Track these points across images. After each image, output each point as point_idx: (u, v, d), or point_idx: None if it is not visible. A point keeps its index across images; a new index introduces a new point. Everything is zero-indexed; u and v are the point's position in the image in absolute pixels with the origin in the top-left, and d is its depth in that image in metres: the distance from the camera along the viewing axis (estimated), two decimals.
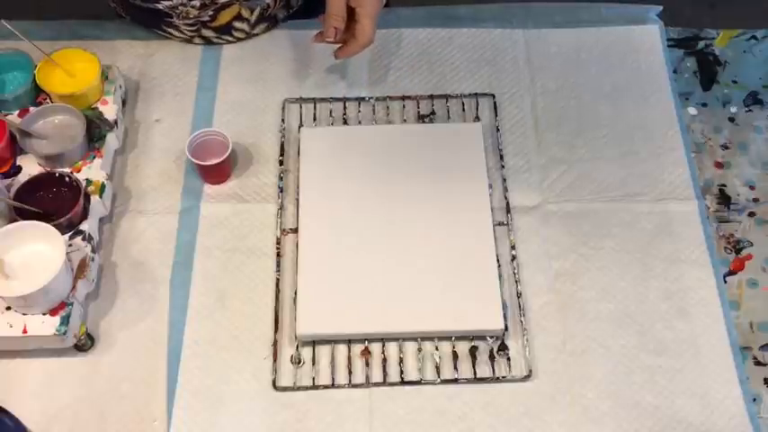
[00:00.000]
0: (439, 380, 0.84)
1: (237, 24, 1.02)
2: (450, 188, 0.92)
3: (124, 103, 1.00)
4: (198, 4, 0.97)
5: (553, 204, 0.95)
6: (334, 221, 0.90)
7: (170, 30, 1.03)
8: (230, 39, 1.04)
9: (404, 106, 1.01)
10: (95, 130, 0.94)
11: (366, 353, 0.85)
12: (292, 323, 0.86)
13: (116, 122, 0.95)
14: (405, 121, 1.00)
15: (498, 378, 0.84)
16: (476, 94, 1.02)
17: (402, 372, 0.84)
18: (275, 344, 0.85)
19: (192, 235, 0.92)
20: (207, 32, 1.03)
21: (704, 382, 0.84)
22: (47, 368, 0.84)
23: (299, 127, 0.99)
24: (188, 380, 0.84)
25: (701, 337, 0.87)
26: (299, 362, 0.85)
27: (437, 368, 0.85)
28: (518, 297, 0.88)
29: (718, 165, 0.99)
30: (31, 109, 0.94)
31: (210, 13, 0.99)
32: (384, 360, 0.85)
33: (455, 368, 0.85)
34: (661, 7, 1.08)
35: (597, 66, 1.06)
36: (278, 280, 0.89)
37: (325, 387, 0.84)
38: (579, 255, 0.91)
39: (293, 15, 1.07)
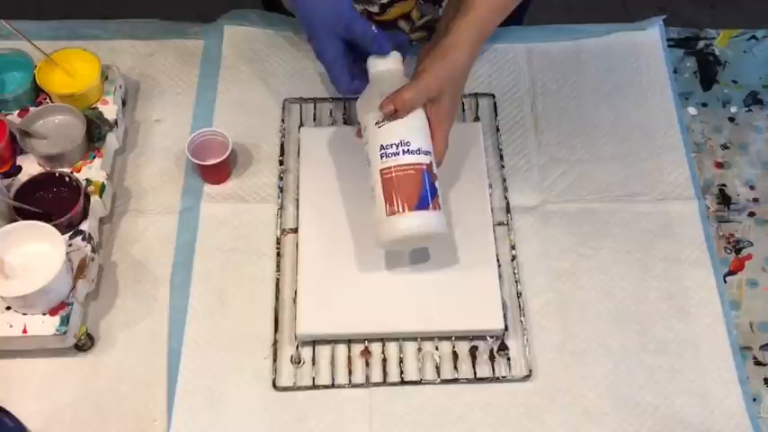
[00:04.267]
0: (439, 380, 0.84)
1: (402, 24, 0.99)
2: (449, 188, 0.92)
3: (124, 103, 1.00)
4: None
5: (553, 204, 0.95)
6: (334, 221, 0.90)
7: None
8: None
9: None
10: (95, 130, 0.94)
11: (366, 353, 0.85)
12: (292, 323, 0.86)
13: (116, 122, 0.95)
14: None
15: (498, 378, 0.84)
16: (476, 93, 1.02)
17: (402, 372, 0.84)
18: (275, 344, 0.85)
19: (191, 235, 0.92)
20: None
21: (704, 382, 0.84)
22: (47, 368, 0.84)
23: (299, 127, 0.99)
24: (188, 380, 0.84)
25: (701, 337, 0.87)
26: (299, 362, 0.85)
27: (437, 368, 0.85)
28: (518, 297, 0.88)
29: (718, 165, 0.99)
30: (31, 109, 0.94)
31: (385, 1, 0.96)
32: (384, 360, 0.85)
33: (455, 368, 0.85)
34: (664, 16, 1.09)
35: (597, 66, 1.06)
36: (278, 280, 0.89)
37: (326, 387, 0.84)
38: (579, 255, 0.91)
39: None
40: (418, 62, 0.83)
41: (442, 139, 0.83)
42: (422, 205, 0.79)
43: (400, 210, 0.79)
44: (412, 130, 0.81)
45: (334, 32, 0.82)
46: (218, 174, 0.95)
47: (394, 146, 0.80)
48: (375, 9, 0.96)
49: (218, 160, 0.92)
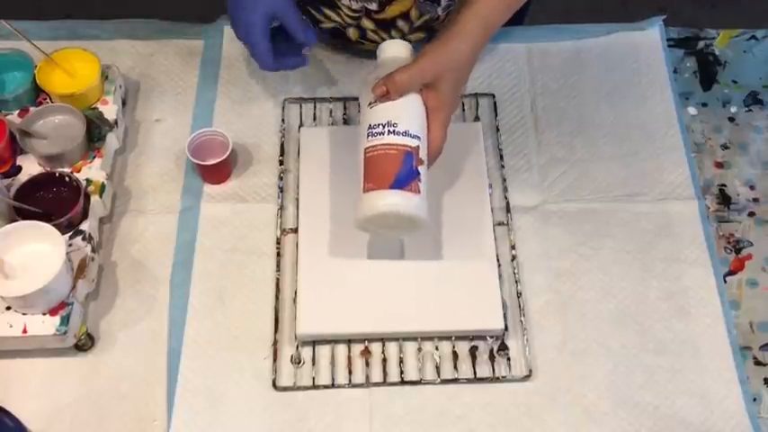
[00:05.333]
0: (439, 380, 0.84)
1: (400, 23, 0.99)
2: (450, 188, 0.92)
3: (124, 103, 1.00)
4: None
5: (553, 204, 0.95)
6: (334, 221, 0.90)
7: (327, 11, 1.00)
8: (384, 38, 1.01)
9: None
10: (95, 130, 0.94)
11: (366, 353, 0.85)
12: (292, 323, 0.86)
13: (116, 122, 0.95)
14: None
15: (498, 378, 0.84)
16: (476, 93, 1.02)
17: (402, 372, 0.84)
18: (275, 344, 0.85)
19: (191, 235, 0.92)
20: (367, 23, 0.99)
21: (704, 382, 0.84)
22: (47, 368, 0.84)
23: (299, 127, 0.99)
24: (188, 380, 0.84)
25: (701, 337, 0.87)
26: (299, 362, 0.85)
27: (437, 368, 0.85)
28: (518, 297, 0.88)
29: (718, 165, 0.99)
30: (31, 109, 0.94)
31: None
32: (384, 360, 0.85)
33: (455, 368, 0.84)
34: (664, 16, 1.09)
35: (597, 66, 1.06)
36: (278, 280, 0.89)
37: (326, 387, 0.84)
38: (579, 255, 0.91)
39: None
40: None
41: (438, 128, 0.81)
42: (398, 185, 0.78)
43: (375, 187, 0.78)
44: (402, 112, 0.80)
45: (261, 13, 0.87)
46: (218, 174, 0.95)
47: (380, 126, 0.79)
48: (373, 6, 0.96)
49: (218, 160, 0.92)
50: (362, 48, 1.04)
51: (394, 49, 0.85)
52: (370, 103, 0.81)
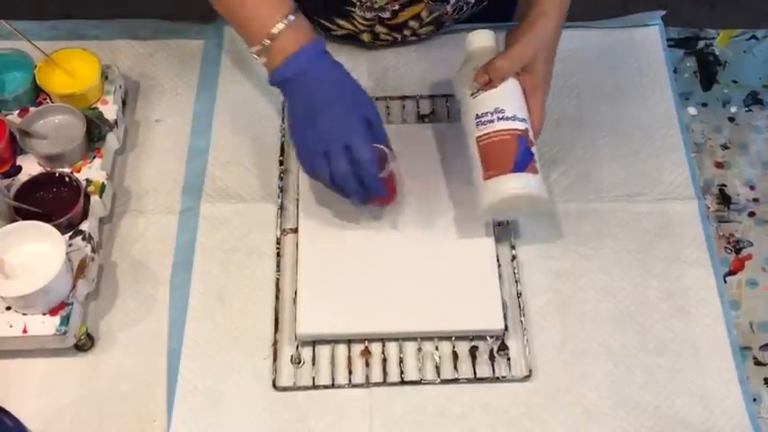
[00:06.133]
0: (439, 380, 0.84)
1: (411, 23, 1.00)
2: (450, 188, 0.92)
3: (124, 103, 1.00)
4: None
5: (553, 204, 0.95)
6: (335, 221, 0.90)
7: (340, 21, 1.01)
8: (397, 37, 1.03)
9: (404, 106, 1.01)
10: (95, 130, 0.94)
11: (366, 353, 0.85)
12: (292, 323, 0.86)
13: (116, 122, 0.95)
14: (405, 121, 1.00)
15: (498, 378, 0.84)
16: None
17: (402, 372, 0.84)
18: (275, 344, 0.85)
19: (191, 235, 0.92)
20: (380, 29, 1.01)
21: (704, 382, 0.84)
22: (47, 368, 0.84)
23: None
24: (188, 380, 0.84)
25: (701, 337, 0.87)
26: (299, 362, 0.85)
27: (437, 368, 0.84)
28: (518, 297, 0.88)
29: (718, 165, 0.99)
30: (31, 109, 0.94)
31: (396, 8, 0.97)
32: (384, 360, 0.85)
33: (455, 368, 0.84)
34: (663, 12, 1.09)
35: (597, 66, 1.06)
36: (278, 280, 0.89)
37: (326, 387, 0.84)
38: (579, 255, 0.91)
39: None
40: (506, 41, 0.85)
41: (538, 107, 0.84)
42: (519, 168, 0.80)
43: (497, 173, 0.81)
44: (505, 98, 0.83)
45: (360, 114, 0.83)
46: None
47: (489, 114, 0.82)
48: (386, 15, 0.97)
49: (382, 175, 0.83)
50: (373, 47, 1.04)
51: (481, 40, 0.88)
52: (472, 94, 0.84)
